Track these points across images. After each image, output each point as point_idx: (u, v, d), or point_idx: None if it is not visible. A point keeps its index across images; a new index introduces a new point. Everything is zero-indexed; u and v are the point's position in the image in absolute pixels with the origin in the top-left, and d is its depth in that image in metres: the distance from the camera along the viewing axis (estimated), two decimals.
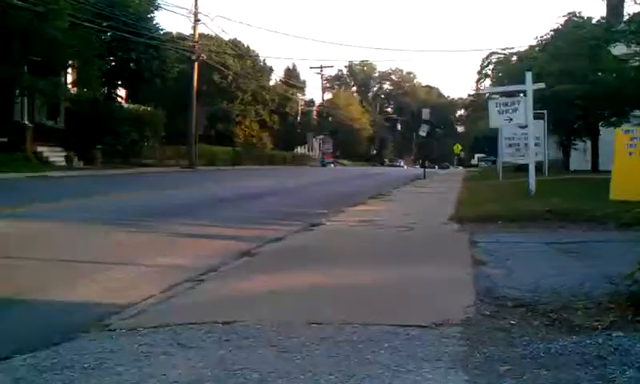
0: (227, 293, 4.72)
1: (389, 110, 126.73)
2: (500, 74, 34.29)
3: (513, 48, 32.94)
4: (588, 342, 3.28)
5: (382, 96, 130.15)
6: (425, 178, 28.74)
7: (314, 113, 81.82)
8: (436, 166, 76.90)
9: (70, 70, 32.78)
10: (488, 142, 53.38)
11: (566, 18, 25.72)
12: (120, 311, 4.23)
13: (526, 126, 15.27)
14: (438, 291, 4.64)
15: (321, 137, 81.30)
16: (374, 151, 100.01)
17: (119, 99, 37.07)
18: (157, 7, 36.68)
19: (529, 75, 12.87)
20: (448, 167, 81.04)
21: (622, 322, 3.60)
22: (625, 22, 19.62)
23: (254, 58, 60.66)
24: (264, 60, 63.82)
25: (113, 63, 34.94)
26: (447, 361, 3.06)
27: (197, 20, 39.30)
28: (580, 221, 8.63)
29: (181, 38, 43.16)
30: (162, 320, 3.85)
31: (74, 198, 13.44)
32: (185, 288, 4.93)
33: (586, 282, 4.74)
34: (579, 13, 25.15)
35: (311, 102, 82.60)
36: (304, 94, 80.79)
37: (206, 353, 3.21)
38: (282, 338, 3.44)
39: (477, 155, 79.35)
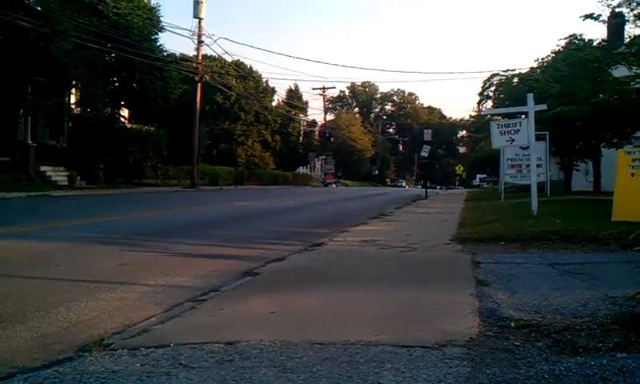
0: (229, 313, 4.70)
1: (391, 130, 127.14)
2: (501, 96, 34.37)
3: (514, 70, 32.99)
4: (592, 363, 3.26)
5: (384, 117, 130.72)
6: (427, 198, 28.73)
7: (316, 133, 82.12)
8: (438, 187, 76.70)
9: (73, 90, 32.98)
10: (489, 163, 53.51)
11: (566, 40, 25.86)
12: (122, 331, 4.22)
13: (527, 147, 15.29)
14: (441, 312, 4.62)
15: (323, 157, 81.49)
16: (376, 171, 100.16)
17: (122, 119, 37.22)
18: (160, 29, 36.97)
19: (530, 97, 12.92)
20: (453, 187, 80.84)
21: (626, 343, 3.58)
22: (625, 44, 19.72)
23: (256, 79, 61.02)
24: (266, 81, 64.34)
25: (116, 83, 35.16)
26: (450, 382, 3.04)
27: (200, 42, 39.60)
28: (583, 242, 8.60)
29: (184, 59, 43.46)
30: (164, 340, 3.84)
31: (75, 218, 13.45)
32: (187, 308, 4.92)
33: (590, 302, 4.73)
34: (580, 35, 25.28)
35: (313, 123, 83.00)
36: (306, 115, 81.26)
37: (208, 373, 3.20)
38: (285, 358, 3.43)
39: (478, 176, 79.32)
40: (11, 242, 9.02)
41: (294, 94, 76.40)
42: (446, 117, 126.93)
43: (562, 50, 26.29)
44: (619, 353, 3.40)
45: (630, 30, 20.44)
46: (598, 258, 7.48)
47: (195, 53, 41.03)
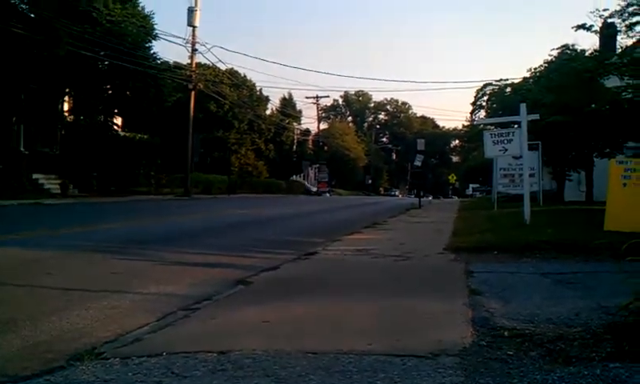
0: (222, 322, 4.69)
1: (384, 139, 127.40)
2: (494, 106, 34.49)
3: (507, 80, 33.16)
4: (585, 373, 3.26)
5: (378, 126, 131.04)
6: (420, 207, 28.77)
7: (310, 142, 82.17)
8: (430, 196, 76.51)
9: (66, 98, 32.94)
10: (482, 172, 53.69)
11: (559, 51, 25.99)
12: (114, 340, 4.20)
13: (520, 157, 15.35)
14: (434, 321, 4.62)
15: (316, 166, 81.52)
16: (369, 181, 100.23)
17: (115, 127, 37.15)
18: (154, 37, 36.92)
19: (523, 107, 12.97)
20: (445, 197, 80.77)
21: (619, 352, 3.58)
22: (617, 54, 19.84)
23: (250, 87, 61.07)
24: (260, 89, 64.33)
25: (110, 91, 35.11)
26: None
27: (194, 50, 39.64)
28: (575, 251, 8.62)
29: (178, 67, 43.43)
30: (156, 349, 3.83)
31: (68, 226, 13.40)
32: (179, 317, 4.90)
33: (582, 312, 4.73)
34: (572, 45, 25.41)
35: (307, 132, 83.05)
36: (300, 124, 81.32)
37: (200, 382, 3.19)
38: (277, 367, 3.42)
39: (471, 185, 79.56)
40: (2, 250, 8.96)
41: (287, 103, 76.52)
42: (439, 126, 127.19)
43: (554, 60, 26.43)
44: (612, 362, 3.41)
45: (622, 41, 20.54)
46: (590, 267, 7.50)
47: (189, 61, 41.04)
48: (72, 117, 34.09)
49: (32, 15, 27.29)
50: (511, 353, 3.70)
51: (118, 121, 37.83)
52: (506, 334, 4.13)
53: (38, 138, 31.36)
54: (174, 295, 5.89)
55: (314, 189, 71.93)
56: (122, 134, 38.10)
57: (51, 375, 3.39)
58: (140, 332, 4.39)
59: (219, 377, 3.27)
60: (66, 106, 33.38)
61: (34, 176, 29.42)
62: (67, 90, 31.91)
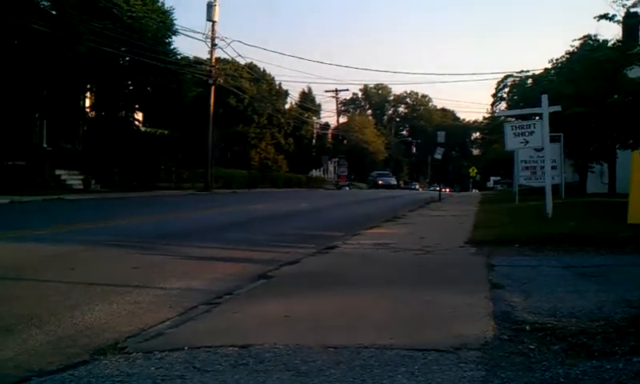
0: (243, 316, 4.71)
1: (404, 132, 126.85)
2: (515, 97, 34.25)
3: (528, 71, 32.91)
4: (608, 367, 3.23)
5: (397, 119, 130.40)
6: (440, 200, 28.62)
7: (329, 136, 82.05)
8: (448, 189, 75.69)
9: (88, 94, 33.24)
10: (503, 165, 53.30)
11: (581, 41, 25.70)
12: (136, 334, 4.25)
13: (542, 149, 15.19)
14: (456, 315, 4.61)
15: (336, 159, 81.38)
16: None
17: (136, 122, 37.37)
18: (174, 32, 37.07)
19: (545, 98, 12.83)
20: (470, 190, 79.93)
21: None
22: None
23: (269, 81, 61.09)
24: (279, 84, 64.28)
25: (131, 87, 35.34)
26: None
27: (214, 45, 39.71)
28: (598, 244, 8.53)
29: (198, 62, 43.56)
30: (178, 343, 3.86)
31: (90, 221, 13.54)
32: (201, 311, 4.94)
33: (605, 305, 4.69)
34: (595, 36, 25.11)
35: (326, 125, 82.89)
36: (319, 117, 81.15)
37: (222, 377, 3.21)
38: (299, 361, 3.43)
39: (492, 178, 78.90)
40: (26, 245, 9.10)
41: (306, 97, 76.34)
42: (459, 119, 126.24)
43: (576, 50, 26.16)
44: (635, 356, 3.38)
45: None
46: (613, 260, 7.42)
47: (209, 56, 41.14)
48: (93, 113, 34.37)
49: (53, 12, 27.51)
50: (533, 347, 3.68)
51: (139, 116, 38.00)
52: (527, 327, 4.11)
53: (61, 134, 31.64)
54: (196, 290, 5.93)
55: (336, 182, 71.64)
56: (142, 129, 38.29)
57: (75, 369, 3.43)
58: (162, 327, 4.43)
59: (241, 371, 3.29)
60: (87, 102, 33.64)
61: (57, 172, 29.73)
62: (89, 86, 32.18)
